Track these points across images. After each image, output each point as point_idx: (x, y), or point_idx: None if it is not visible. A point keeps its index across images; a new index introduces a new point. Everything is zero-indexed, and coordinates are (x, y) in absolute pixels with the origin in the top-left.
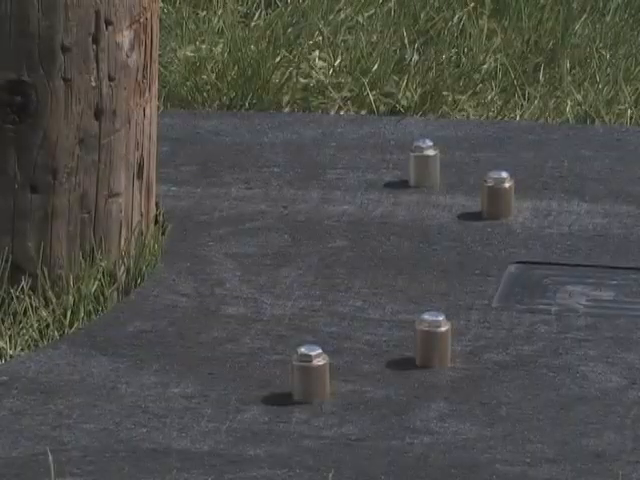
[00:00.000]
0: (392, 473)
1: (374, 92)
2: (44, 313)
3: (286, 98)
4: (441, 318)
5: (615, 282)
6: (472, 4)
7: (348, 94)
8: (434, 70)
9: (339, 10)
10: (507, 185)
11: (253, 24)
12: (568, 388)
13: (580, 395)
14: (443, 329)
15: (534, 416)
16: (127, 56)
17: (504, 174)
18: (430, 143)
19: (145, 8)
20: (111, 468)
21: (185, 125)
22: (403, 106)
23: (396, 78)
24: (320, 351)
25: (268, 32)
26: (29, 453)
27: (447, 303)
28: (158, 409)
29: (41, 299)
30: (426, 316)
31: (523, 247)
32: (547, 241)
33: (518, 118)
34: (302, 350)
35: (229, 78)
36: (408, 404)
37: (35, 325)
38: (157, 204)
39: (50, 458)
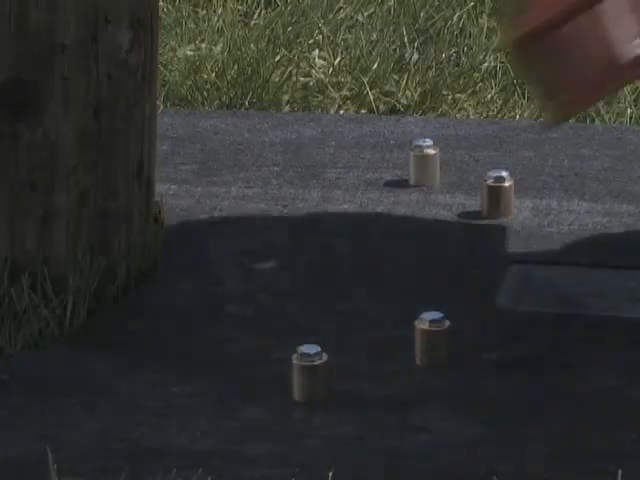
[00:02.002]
0: (391, 473)
1: (374, 91)
2: (44, 312)
3: (286, 97)
4: (440, 317)
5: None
6: (472, 3)
7: (348, 93)
8: (434, 69)
9: (339, 9)
10: (507, 184)
11: (253, 23)
12: (569, 388)
13: (580, 395)
14: (443, 328)
15: (534, 416)
16: (127, 55)
17: (504, 173)
18: (430, 142)
19: (145, 7)
20: (111, 467)
21: (185, 124)
22: (403, 105)
23: (396, 77)
24: (320, 350)
25: (268, 31)
26: (29, 452)
27: (446, 302)
28: (158, 408)
29: (41, 298)
30: (426, 315)
31: (523, 246)
32: (547, 240)
33: (518, 117)
34: (302, 349)
35: (229, 77)
36: (408, 403)
37: (35, 324)
38: (157, 203)
39: (50, 457)
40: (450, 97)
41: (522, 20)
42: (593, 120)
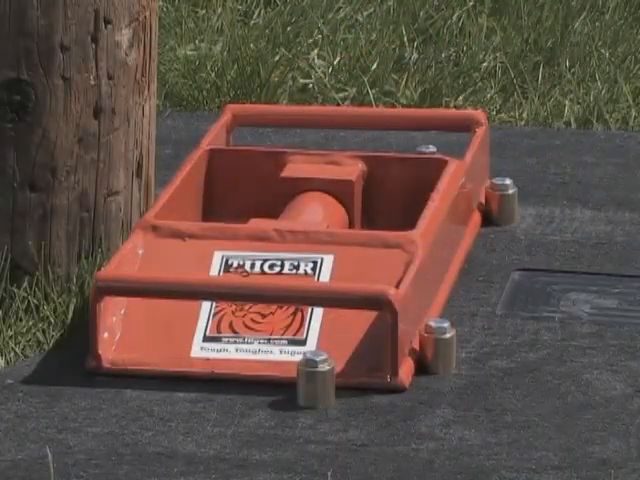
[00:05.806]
0: (397, 479)
1: (374, 91)
2: (45, 313)
3: (286, 97)
4: (446, 325)
5: (618, 290)
6: (471, 2)
7: (347, 93)
8: (433, 69)
9: (338, 9)
10: (510, 192)
11: (252, 23)
12: (573, 395)
13: (585, 402)
14: (448, 336)
15: (539, 423)
16: (126, 55)
17: (507, 181)
18: (434, 149)
19: (144, 7)
20: (117, 472)
21: (187, 127)
22: (403, 105)
23: (395, 77)
24: (326, 356)
25: (267, 31)
26: (34, 456)
27: (451, 309)
28: (163, 413)
29: (42, 299)
30: (431, 323)
31: (526, 254)
32: (550, 248)
33: (517, 116)
34: (308, 355)
35: (228, 77)
36: (413, 410)
37: (39, 325)
38: None
39: (50, 457)
40: (449, 97)
41: None
42: (592, 123)
